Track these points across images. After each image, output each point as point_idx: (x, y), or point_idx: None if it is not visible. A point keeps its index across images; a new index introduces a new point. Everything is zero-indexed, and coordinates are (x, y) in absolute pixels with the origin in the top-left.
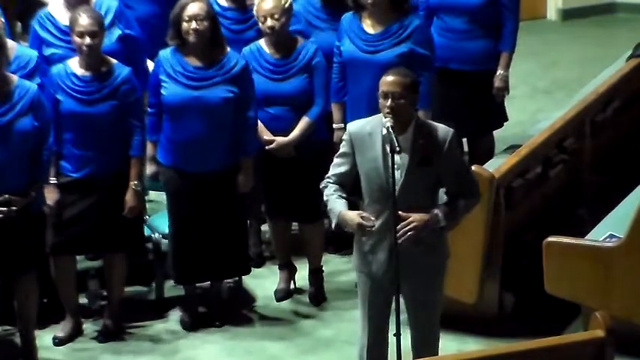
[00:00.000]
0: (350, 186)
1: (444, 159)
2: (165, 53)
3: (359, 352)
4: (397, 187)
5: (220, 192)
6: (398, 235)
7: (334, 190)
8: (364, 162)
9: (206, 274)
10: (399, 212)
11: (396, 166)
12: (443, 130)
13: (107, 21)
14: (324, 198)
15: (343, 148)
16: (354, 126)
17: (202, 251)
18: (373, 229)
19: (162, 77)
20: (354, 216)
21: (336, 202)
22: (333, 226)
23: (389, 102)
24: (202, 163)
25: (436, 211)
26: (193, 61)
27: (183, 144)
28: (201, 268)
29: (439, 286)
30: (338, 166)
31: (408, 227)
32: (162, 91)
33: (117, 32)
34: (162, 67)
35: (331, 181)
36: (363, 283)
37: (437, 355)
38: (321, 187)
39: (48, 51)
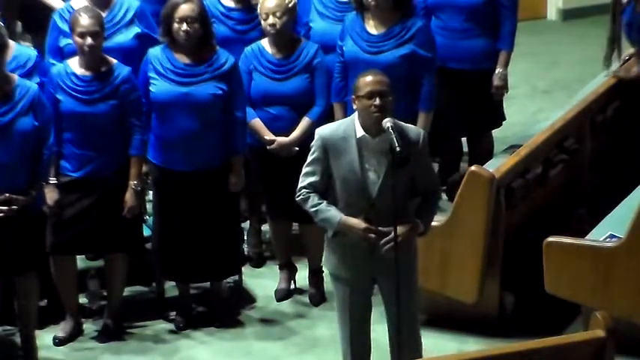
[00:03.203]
0: (325, 192)
1: (418, 158)
2: (154, 51)
3: (342, 354)
4: (375, 189)
5: (209, 191)
6: (381, 246)
7: (319, 199)
8: (339, 166)
9: (193, 274)
10: (379, 228)
11: (373, 168)
12: (415, 129)
13: (127, 19)
14: (310, 209)
15: (315, 154)
16: (325, 130)
17: (188, 251)
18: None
19: (151, 74)
20: (358, 222)
21: (329, 211)
22: (330, 234)
23: (378, 101)
24: (191, 162)
25: (415, 219)
26: (183, 58)
27: (171, 142)
28: (186, 267)
29: (414, 284)
30: (312, 175)
31: (393, 241)
32: (151, 88)
33: (135, 30)
34: (151, 64)
35: (310, 191)
36: (341, 288)
37: (420, 352)
38: (298, 199)
39: (64, 42)
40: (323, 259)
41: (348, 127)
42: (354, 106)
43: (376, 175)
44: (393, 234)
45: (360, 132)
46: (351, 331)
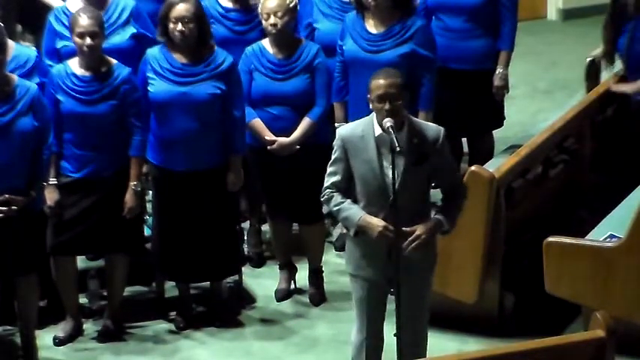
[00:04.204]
0: (349, 191)
1: (437, 157)
2: (153, 51)
3: (354, 352)
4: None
5: (208, 191)
6: (406, 247)
7: (342, 198)
8: (359, 165)
9: (193, 274)
10: (403, 229)
11: (392, 167)
12: (434, 128)
13: (122, 19)
14: (334, 208)
15: (336, 153)
16: (345, 130)
17: (188, 251)
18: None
19: (150, 74)
20: (377, 221)
21: (350, 209)
22: (352, 233)
23: (387, 105)
24: (190, 162)
25: (438, 216)
26: (181, 58)
27: (170, 142)
28: (186, 267)
29: (429, 285)
30: (334, 175)
31: (417, 239)
32: (150, 88)
33: (131, 30)
34: (149, 64)
35: (333, 191)
36: (360, 286)
37: (424, 353)
38: (322, 199)
39: (60, 43)
40: (345, 261)
41: (367, 126)
42: (371, 106)
43: (395, 173)
44: (415, 233)
45: (378, 130)
46: (367, 329)
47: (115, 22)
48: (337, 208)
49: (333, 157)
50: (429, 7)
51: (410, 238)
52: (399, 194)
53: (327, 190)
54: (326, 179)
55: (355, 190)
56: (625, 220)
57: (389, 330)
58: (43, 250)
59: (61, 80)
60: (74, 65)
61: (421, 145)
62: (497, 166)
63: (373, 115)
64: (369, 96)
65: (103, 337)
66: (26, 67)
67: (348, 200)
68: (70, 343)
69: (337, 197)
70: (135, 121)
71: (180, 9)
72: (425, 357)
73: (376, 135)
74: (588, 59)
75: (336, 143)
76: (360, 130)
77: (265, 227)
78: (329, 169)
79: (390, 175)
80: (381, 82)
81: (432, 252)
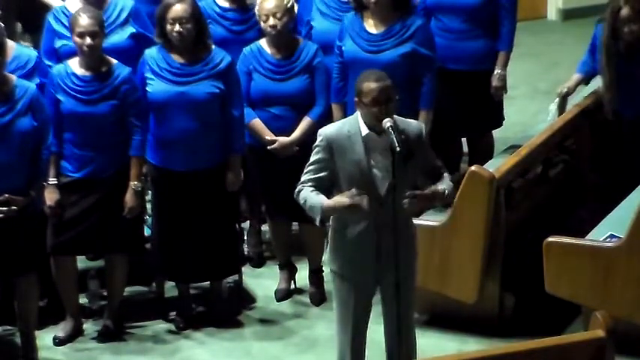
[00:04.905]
0: (326, 191)
1: (421, 151)
2: (151, 51)
3: (339, 354)
4: (383, 186)
5: (208, 191)
6: (405, 200)
7: (311, 191)
8: (347, 165)
9: (193, 274)
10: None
11: (380, 165)
12: (415, 124)
13: (121, 19)
14: (301, 201)
15: (319, 154)
16: (330, 129)
17: (188, 251)
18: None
19: (148, 75)
20: (340, 198)
21: (317, 197)
22: (317, 222)
23: (383, 108)
24: (189, 161)
25: (440, 186)
26: (179, 58)
27: (169, 142)
28: (186, 267)
29: (414, 282)
30: (314, 173)
31: (417, 196)
32: (148, 89)
33: (130, 30)
34: (147, 64)
35: (307, 185)
36: (345, 286)
37: (414, 350)
38: (295, 194)
39: (59, 43)
40: (327, 258)
41: (353, 125)
42: (357, 107)
43: (383, 172)
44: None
45: (365, 130)
46: (353, 330)
47: (114, 21)
48: (304, 200)
49: (314, 157)
50: (427, 7)
51: (409, 194)
52: (389, 193)
53: (300, 185)
54: (302, 177)
55: (341, 189)
56: (625, 220)
57: (379, 330)
58: (43, 250)
59: (61, 80)
60: (74, 65)
61: (407, 141)
62: (497, 166)
63: (357, 114)
64: (356, 99)
65: (103, 337)
66: (27, 68)
67: (316, 191)
68: (70, 343)
69: (307, 190)
70: (135, 120)
71: (177, 9)
72: (415, 356)
73: (363, 134)
74: (563, 90)
75: (319, 143)
76: (346, 130)
77: (265, 227)
78: (307, 169)
79: (378, 174)
80: (375, 85)
81: (412, 250)
